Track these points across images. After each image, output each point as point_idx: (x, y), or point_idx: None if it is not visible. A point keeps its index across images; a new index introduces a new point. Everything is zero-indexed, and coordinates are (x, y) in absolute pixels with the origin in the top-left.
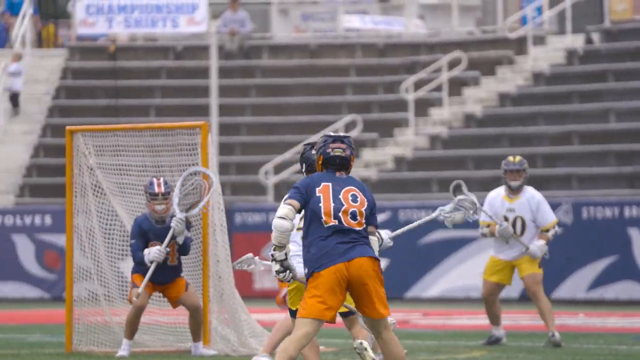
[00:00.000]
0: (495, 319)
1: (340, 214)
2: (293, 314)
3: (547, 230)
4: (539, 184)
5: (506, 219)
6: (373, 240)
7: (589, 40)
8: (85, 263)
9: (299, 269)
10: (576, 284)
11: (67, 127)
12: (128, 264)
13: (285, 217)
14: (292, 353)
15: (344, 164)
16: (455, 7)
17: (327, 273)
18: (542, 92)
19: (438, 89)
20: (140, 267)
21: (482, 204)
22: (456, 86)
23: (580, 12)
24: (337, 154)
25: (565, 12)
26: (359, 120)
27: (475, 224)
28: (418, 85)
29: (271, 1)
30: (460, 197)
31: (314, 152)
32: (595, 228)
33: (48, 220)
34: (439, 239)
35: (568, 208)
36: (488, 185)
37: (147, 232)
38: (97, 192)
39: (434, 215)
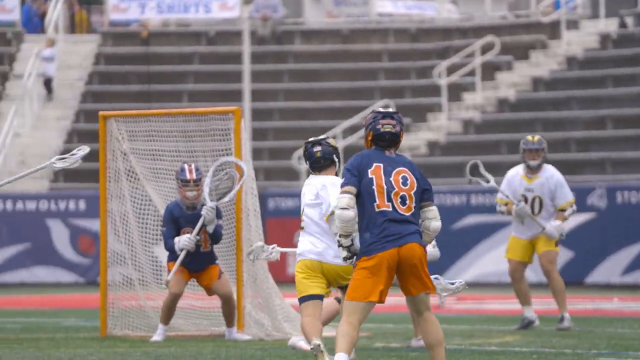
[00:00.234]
0: (524, 299)
1: (392, 198)
2: (306, 298)
3: (564, 210)
4: (572, 168)
5: (525, 198)
6: (432, 210)
7: (622, 24)
8: (119, 248)
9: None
10: (610, 269)
11: (100, 113)
12: (162, 249)
13: (348, 207)
14: (353, 335)
15: (393, 139)
16: None
17: (378, 257)
18: (575, 77)
19: (471, 73)
20: (173, 254)
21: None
22: (489, 71)
23: None
24: (387, 130)
25: None
26: (391, 105)
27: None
28: (451, 70)
29: None
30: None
31: (330, 141)
32: (630, 212)
33: (82, 205)
34: (473, 224)
35: (602, 192)
36: None
37: (178, 218)
38: (131, 177)
39: None
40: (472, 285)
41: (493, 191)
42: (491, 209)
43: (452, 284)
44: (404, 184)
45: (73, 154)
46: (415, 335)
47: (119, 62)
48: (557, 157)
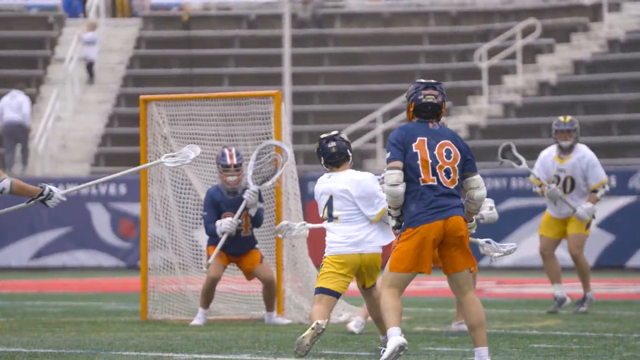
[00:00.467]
0: (554, 276)
1: (437, 171)
2: (323, 291)
3: (596, 191)
4: (614, 151)
5: (557, 178)
6: (475, 179)
7: None
8: (159, 232)
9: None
10: None
11: (141, 97)
12: (202, 233)
13: (397, 183)
14: (399, 306)
15: (435, 110)
16: None
17: (425, 228)
18: (617, 59)
19: (512, 56)
20: (213, 238)
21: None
22: (530, 54)
23: None
24: (429, 100)
25: None
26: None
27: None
28: (492, 53)
29: None
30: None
31: (343, 136)
32: None
33: (123, 189)
34: (513, 208)
35: None
36: None
37: (219, 203)
38: None
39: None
40: (512, 269)
41: (528, 174)
42: (531, 193)
43: (504, 247)
44: (448, 157)
45: (183, 154)
46: (455, 319)
47: (159, 45)
48: (599, 140)
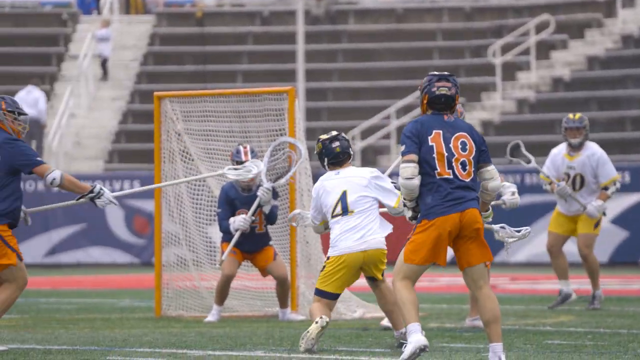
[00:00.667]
0: (562, 273)
1: (452, 164)
2: (321, 294)
3: (607, 188)
4: (628, 147)
5: (567, 176)
6: (489, 170)
7: None
8: (173, 228)
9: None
10: None
11: (155, 93)
12: (216, 230)
13: (412, 176)
14: (415, 299)
15: (448, 102)
16: None
17: (440, 220)
18: (631, 55)
19: (525, 52)
20: (227, 235)
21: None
22: (544, 50)
23: None
24: (442, 92)
25: None
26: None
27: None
28: (505, 49)
29: None
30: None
31: (344, 135)
32: None
33: (137, 185)
34: (527, 204)
35: None
36: None
37: (233, 200)
38: (185, 157)
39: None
40: (526, 265)
41: (539, 172)
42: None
43: (518, 231)
44: (463, 149)
45: (246, 167)
46: (469, 315)
47: (173, 42)
48: (612, 136)
